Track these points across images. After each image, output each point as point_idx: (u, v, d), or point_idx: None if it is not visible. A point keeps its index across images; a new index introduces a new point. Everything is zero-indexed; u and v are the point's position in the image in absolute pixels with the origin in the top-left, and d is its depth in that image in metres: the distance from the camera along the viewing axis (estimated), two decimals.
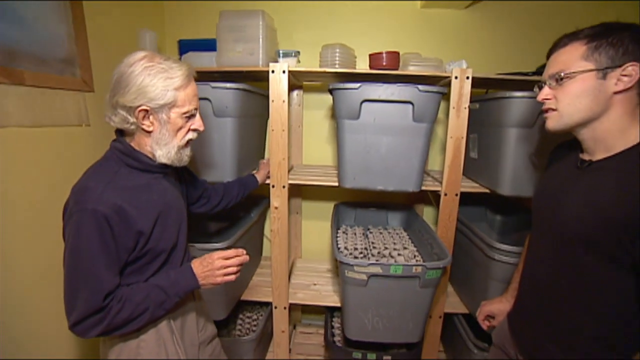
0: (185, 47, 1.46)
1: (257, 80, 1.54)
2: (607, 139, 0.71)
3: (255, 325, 1.73)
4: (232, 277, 0.85)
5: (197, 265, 0.82)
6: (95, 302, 0.69)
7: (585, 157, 0.77)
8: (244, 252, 0.85)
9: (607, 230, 0.65)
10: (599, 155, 0.73)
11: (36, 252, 1.06)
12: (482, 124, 1.35)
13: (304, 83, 1.74)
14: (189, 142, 0.84)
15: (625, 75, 0.66)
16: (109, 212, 0.69)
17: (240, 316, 1.79)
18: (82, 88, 1.32)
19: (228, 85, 1.19)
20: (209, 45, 1.42)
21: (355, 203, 1.82)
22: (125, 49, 1.50)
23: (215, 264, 0.81)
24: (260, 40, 1.30)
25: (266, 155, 1.80)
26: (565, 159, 0.85)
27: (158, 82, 0.73)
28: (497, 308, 1.04)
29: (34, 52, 1.10)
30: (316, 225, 1.95)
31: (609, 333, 0.70)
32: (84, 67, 1.33)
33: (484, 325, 1.07)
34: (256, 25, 1.28)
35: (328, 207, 1.89)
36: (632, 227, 0.61)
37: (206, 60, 1.41)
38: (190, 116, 0.81)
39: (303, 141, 1.83)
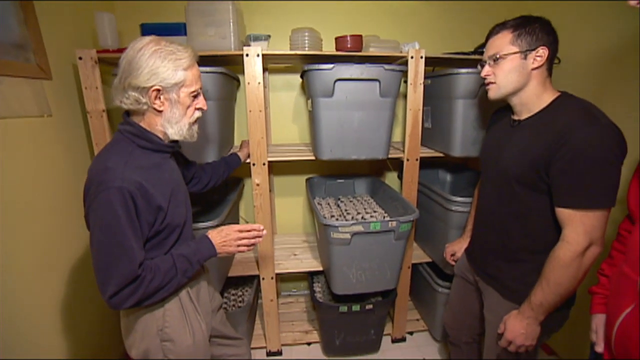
0: (149, 31, 1.42)
1: (225, 64, 1.57)
2: (529, 103, 0.95)
3: (240, 301, 1.82)
4: (245, 248, 0.94)
5: (214, 235, 0.91)
6: (131, 272, 0.74)
7: (515, 117, 1.01)
8: (261, 227, 0.95)
9: (531, 168, 0.89)
10: (524, 116, 0.97)
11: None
12: (433, 97, 1.56)
13: (270, 65, 1.80)
14: (197, 120, 0.90)
15: (538, 56, 0.89)
16: (133, 189, 0.75)
17: (225, 294, 1.86)
18: (39, 75, 1.25)
19: (208, 69, 1.22)
20: (175, 30, 1.41)
21: (325, 176, 1.97)
22: (81, 35, 1.44)
23: (232, 235, 0.91)
24: (231, 24, 1.33)
25: (235, 136, 1.85)
26: (502, 121, 1.08)
27: (168, 63, 0.78)
28: (457, 247, 1.30)
29: None
30: (287, 201, 2.06)
31: (534, 242, 0.95)
32: (39, 52, 1.25)
33: (451, 261, 1.32)
34: (226, 9, 1.32)
35: (296, 183, 2.02)
36: (544, 163, 0.86)
37: None
38: (196, 95, 0.87)
39: (270, 122, 1.90)
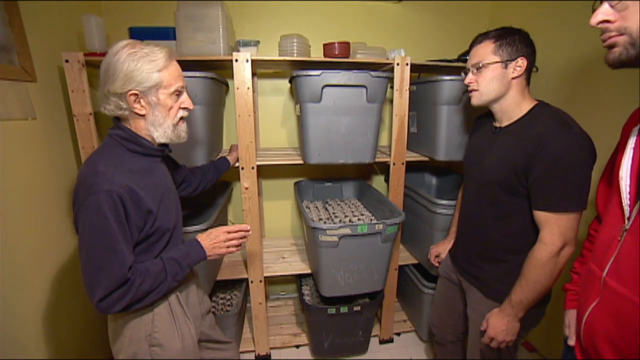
0: (138, 35, 1.42)
1: (214, 69, 1.58)
2: (509, 111, 1.00)
3: (229, 305, 1.82)
4: (234, 249, 0.96)
5: (203, 239, 0.92)
6: (120, 275, 0.74)
7: (497, 124, 1.05)
8: (248, 227, 0.96)
9: (511, 173, 0.93)
10: (505, 123, 1.02)
11: None
12: (419, 102, 1.60)
13: (258, 71, 1.82)
14: (181, 119, 0.89)
15: (518, 66, 0.94)
16: (123, 192, 0.75)
17: (214, 298, 1.85)
18: (23, 77, 1.23)
19: (197, 74, 1.23)
20: (164, 34, 1.41)
21: (313, 180, 1.99)
22: (68, 38, 1.43)
23: (221, 237, 0.92)
24: (221, 29, 1.35)
25: (224, 140, 1.86)
26: (484, 127, 1.13)
27: (143, 65, 0.78)
28: (442, 248, 1.34)
29: None
30: (275, 205, 2.07)
31: (514, 243, 1.00)
32: (23, 54, 1.24)
33: (435, 262, 1.35)
34: (216, 15, 1.33)
35: (284, 186, 2.03)
36: (522, 169, 0.90)
37: None
38: (179, 94, 0.87)
39: (259, 126, 1.92)
